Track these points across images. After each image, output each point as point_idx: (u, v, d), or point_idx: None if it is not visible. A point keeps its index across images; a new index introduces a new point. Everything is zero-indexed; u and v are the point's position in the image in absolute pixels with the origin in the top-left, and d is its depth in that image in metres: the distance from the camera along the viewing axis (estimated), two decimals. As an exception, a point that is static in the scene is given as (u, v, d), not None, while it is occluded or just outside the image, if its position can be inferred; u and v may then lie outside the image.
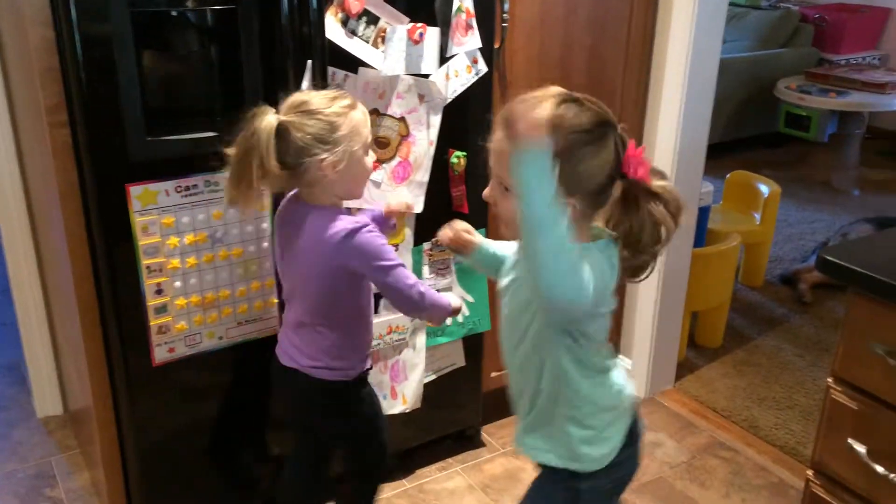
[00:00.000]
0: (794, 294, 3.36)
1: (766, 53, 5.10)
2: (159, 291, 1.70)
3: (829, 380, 1.40)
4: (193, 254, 1.71)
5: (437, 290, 2.13)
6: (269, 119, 1.46)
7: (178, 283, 1.71)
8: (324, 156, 1.48)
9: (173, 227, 1.67)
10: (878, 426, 1.33)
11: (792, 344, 3.00)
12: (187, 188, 1.66)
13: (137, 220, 1.63)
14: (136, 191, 1.61)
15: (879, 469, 1.33)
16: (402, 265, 1.58)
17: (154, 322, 1.71)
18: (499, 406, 2.53)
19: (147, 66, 1.61)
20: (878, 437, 1.33)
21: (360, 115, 1.54)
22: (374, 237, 1.55)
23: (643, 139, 2.45)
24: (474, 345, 2.28)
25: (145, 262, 1.66)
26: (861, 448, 1.35)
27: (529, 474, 2.28)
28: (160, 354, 1.74)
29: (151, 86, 1.64)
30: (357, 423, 1.77)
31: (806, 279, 3.33)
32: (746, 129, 5.07)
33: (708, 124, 2.43)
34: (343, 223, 1.54)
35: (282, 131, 1.47)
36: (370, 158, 1.59)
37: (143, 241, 1.65)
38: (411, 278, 1.59)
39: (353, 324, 1.65)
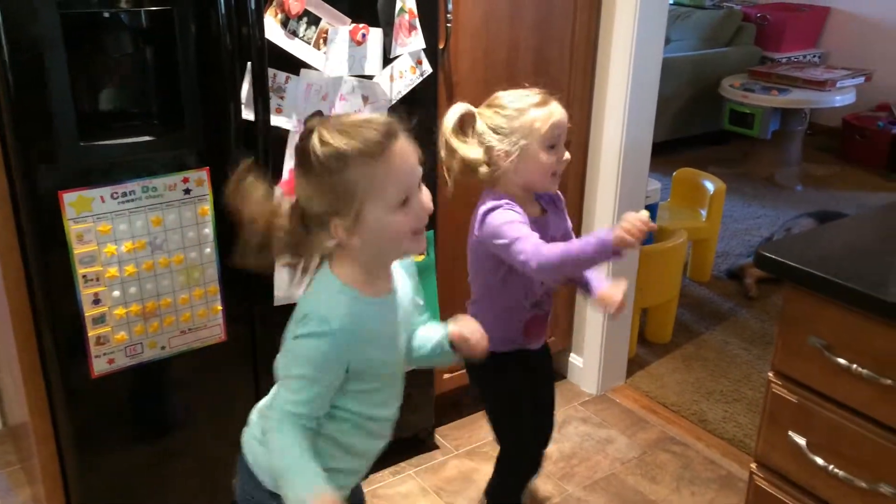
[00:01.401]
0: (740, 289, 3.42)
1: (711, 52, 5.19)
2: (97, 301, 1.65)
3: (770, 374, 1.42)
4: (132, 262, 1.67)
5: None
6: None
7: (116, 293, 1.66)
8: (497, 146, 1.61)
9: (110, 235, 1.63)
10: (816, 419, 1.36)
11: (739, 338, 3.06)
12: (124, 194, 1.62)
13: (72, 228, 1.58)
14: (69, 197, 1.56)
15: (819, 461, 1.35)
16: (518, 240, 1.56)
17: (92, 333, 1.66)
18: (452, 408, 2.53)
19: (79, 70, 1.56)
20: (817, 429, 1.36)
21: (541, 113, 1.60)
22: (498, 216, 1.60)
23: (590, 138, 2.47)
24: (425, 347, 2.27)
25: (81, 270, 1.61)
26: (801, 440, 1.38)
27: (483, 475, 2.28)
28: (99, 366, 1.69)
29: (84, 90, 1.59)
30: (493, 402, 1.83)
31: (751, 274, 3.40)
32: (693, 128, 5.16)
33: (652, 123, 2.46)
34: (485, 203, 1.64)
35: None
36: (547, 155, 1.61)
37: (78, 250, 1.60)
38: (523, 253, 1.55)
39: (495, 298, 1.70)
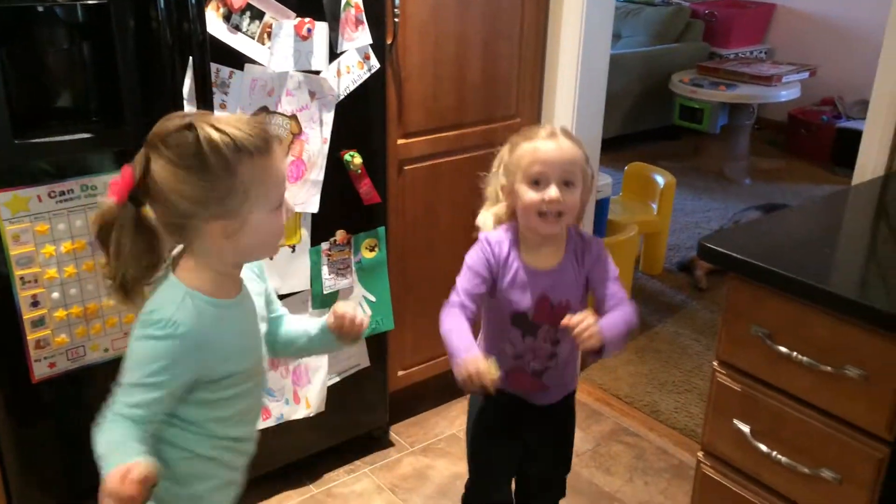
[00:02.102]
0: (691, 281, 3.48)
1: (660, 48, 5.26)
2: (35, 303, 1.60)
3: (715, 363, 1.45)
4: (72, 262, 1.62)
5: (338, 291, 2.10)
6: None
7: (56, 294, 1.62)
8: None
9: (48, 235, 1.58)
10: (760, 406, 1.38)
11: (690, 329, 3.11)
12: (62, 193, 1.57)
13: (7, 229, 1.53)
14: (4, 197, 1.51)
15: (763, 448, 1.38)
16: (455, 287, 1.56)
17: (32, 336, 1.61)
18: (406, 405, 2.52)
19: (12, 66, 1.51)
20: (760, 416, 1.38)
21: (529, 147, 1.52)
22: (470, 251, 1.58)
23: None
24: (378, 345, 2.26)
25: (18, 272, 1.56)
26: (745, 428, 1.40)
27: (438, 472, 2.28)
28: (40, 370, 1.65)
29: (17, 86, 1.54)
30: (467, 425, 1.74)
31: (701, 266, 3.45)
32: (644, 122, 5.22)
33: (601, 117, 2.48)
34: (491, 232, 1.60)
35: None
36: (530, 192, 1.51)
37: (14, 251, 1.55)
38: (447, 302, 1.57)
39: (484, 328, 1.66)
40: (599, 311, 1.52)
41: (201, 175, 1.10)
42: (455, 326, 1.50)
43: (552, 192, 1.47)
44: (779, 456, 1.36)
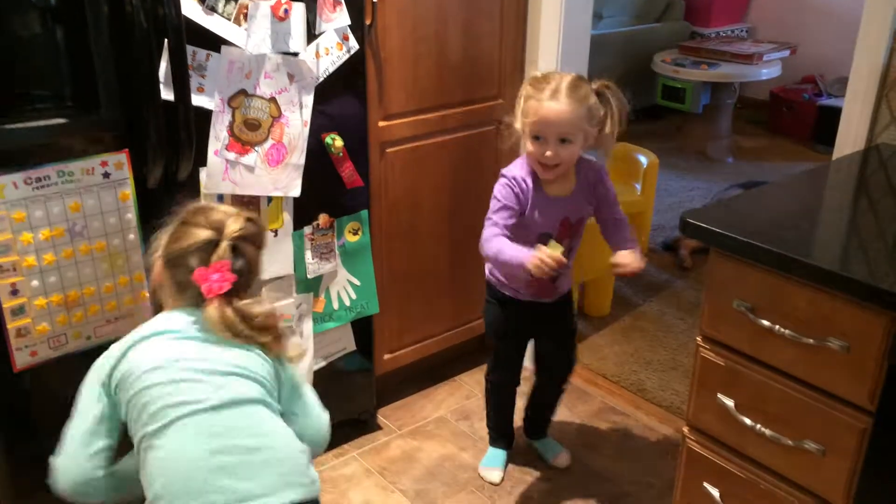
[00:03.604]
0: (675, 260, 3.49)
1: (642, 28, 5.25)
2: (15, 292, 1.58)
3: (698, 339, 1.45)
4: (51, 250, 1.60)
5: (321, 275, 2.09)
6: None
7: (35, 282, 1.60)
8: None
9: (25, 223, 1.56)
10: (744, 380, 1.39)
11: (675, 308, 3.12)
12: (38, 179, 1.55)
13: (-17, 217, 1.51)
14: (-21, 185, 1.49)
15: (747, 421, 1.39)
16: (488, 218, 1.84)
17: (12, 325, 1.60)
18: (393, 388, 2.52)
19: (-17, 50, 1.48)
20: (744, 390, 1.39)
21: (532, 105, 1.77)
22: (496, 185, 1.86)
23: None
24: (364, 328, 2.25)
25: (-4, 261, 1.54)
26: (729, 402, 1.41)
27: (427, 454, 2.29)
28: (21, 359, 1.63)
29: (-11, 71, 1.51)
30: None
31: (686, 245, 3.47)
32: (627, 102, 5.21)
33: (584, 97, 2.47)
34: (511, 164, 1.90)
35: None
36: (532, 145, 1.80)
37: (-9, 239, 1.53)
38: (483, 231, 1.84)
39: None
40: (604, 227, 1.95)
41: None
42: (502, 243, 1.78)
43: (548, 151, 1.76)
44: (763, 429, 1.37)
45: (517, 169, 1.86)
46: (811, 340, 1.27)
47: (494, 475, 2.20)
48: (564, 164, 1.79)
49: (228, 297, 1.37)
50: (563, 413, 2.48)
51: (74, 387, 1.74)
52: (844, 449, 1.27)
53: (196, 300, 1.39)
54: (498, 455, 2.24)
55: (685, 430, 1.53)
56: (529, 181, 1.83)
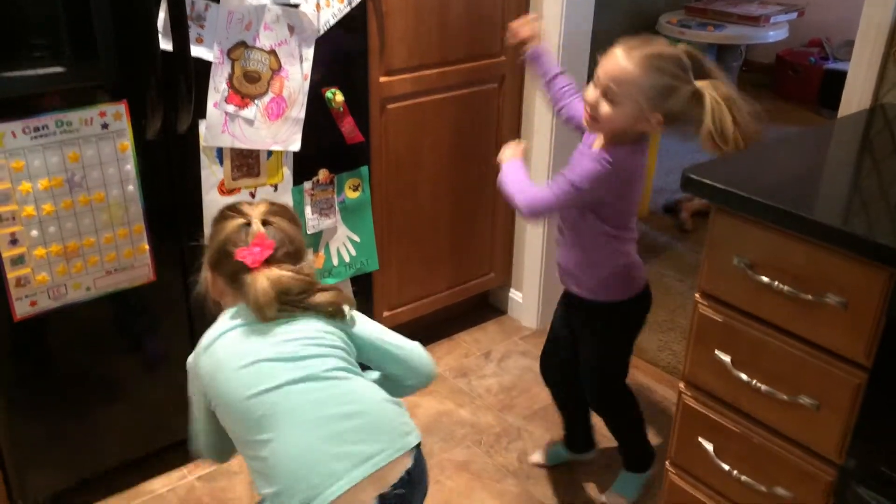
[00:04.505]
0: (676, 223, 3.48)
1: (648, -11, 5.17)
2: (14, 241, 1.58)
3: (697, 295, 1.45)
4: (50, 200, 1.60)
5: (321, 231, 2.09)
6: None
7: (35, 232, 1.60)
8: None
9: (24, 172, 1.55)
10: (741, 336, 1.39)
11: (674, 270, 3.13)
12: (36, 129, 1.54)
13: (-18, 166, 1.51)
14: (-23, 133, 1.48)
15: (743, 376, 1.39)
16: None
17: (11, 274, 1.60)
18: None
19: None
20: (741, 346, 1.40)
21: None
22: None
23: (525, 72, 2.44)
24: (364, 285, 2.26)
25: (-5, 210, 1.54)
26: (726, 358, 1.41)
27: (424, 410, 2.31)
28: (21, 308, 1.64)
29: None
30: None
31: (687, 208, 3.46)
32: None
33: (587, 56, 2.45)
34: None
35: None
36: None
37: (-10, 188, 1.53)
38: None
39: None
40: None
41: None
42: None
43: (588, 90, 1.58)
44: (758, 384, 1.37)
45: None
46: (809, 296, 1.27)
47: (536, 456, 2.14)
48: (600, 121, 1.58)
49: (276, 265, 1.35)
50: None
51: (75, 337, 1.76)
52: (839, 404, 1.28)
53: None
54: (556, 451, 2.13)
55: (681, 386, 1.54)
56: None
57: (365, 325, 1.45)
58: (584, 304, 1.81)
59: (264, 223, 1.37)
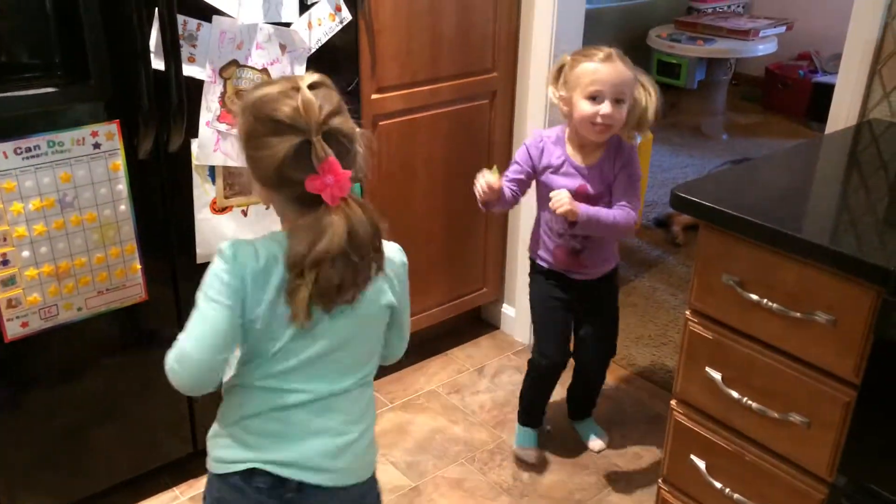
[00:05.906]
0: (667, 236, 3.50)
1: (638, 3, 5.21)
2: (6, 262, 1.58)
3: (687, 312, 1.46)
4: (41, 220, 1.60)
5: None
6: None
7: (26, 253, 1.60)
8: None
9: (16, 192, 1.55)
10: (731, 354, 1.40)
11: (666, 284, 3.14)
12: (28, 149, 1.54)
13: (-27, 187, 1.51)
14: (-32, 154, 1.48)
15: (734, 394, 1.40)
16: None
17: (2, 295, 1.60)
18: (385, 361, 2.53)
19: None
20: (731, 363, 1.41)
21: (589, 67, 1.81)
22: (519, 148, 2.01)
23: (517, 88, 2.46)
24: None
25: (-14, 231, 1.54)
26: (717, 375, 1.42)
27: (418, 427, 2.30)
28: (12, 329, 1.63)
29: (-23, 39, 1.50)
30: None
31: (678, 222, 3.47)
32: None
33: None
34: (541, 131, 2.02)
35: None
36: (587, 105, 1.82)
37: (-19, 209, 1.53)
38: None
39: (536, 211, 2.04)
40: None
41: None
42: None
43: (605, 108, 1.80)
44: (749, 401, 1.38)
45: (549, 131, 1.96)
46: (798, 314, 1.28)
47: (531, 455, 2.18)
48: (616, 124, 1.82)
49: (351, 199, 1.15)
50: (556, 389, 2.49)
51: (66, 358, 1.75)
52: (829, 421, 1.29)
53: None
54: (530, 435, 2.21)
55: (673, 403, 1.55)
56: (555, 147, 1.91)
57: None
58: (597, 281, 2.03)
59: (326, 137, 1.12)
